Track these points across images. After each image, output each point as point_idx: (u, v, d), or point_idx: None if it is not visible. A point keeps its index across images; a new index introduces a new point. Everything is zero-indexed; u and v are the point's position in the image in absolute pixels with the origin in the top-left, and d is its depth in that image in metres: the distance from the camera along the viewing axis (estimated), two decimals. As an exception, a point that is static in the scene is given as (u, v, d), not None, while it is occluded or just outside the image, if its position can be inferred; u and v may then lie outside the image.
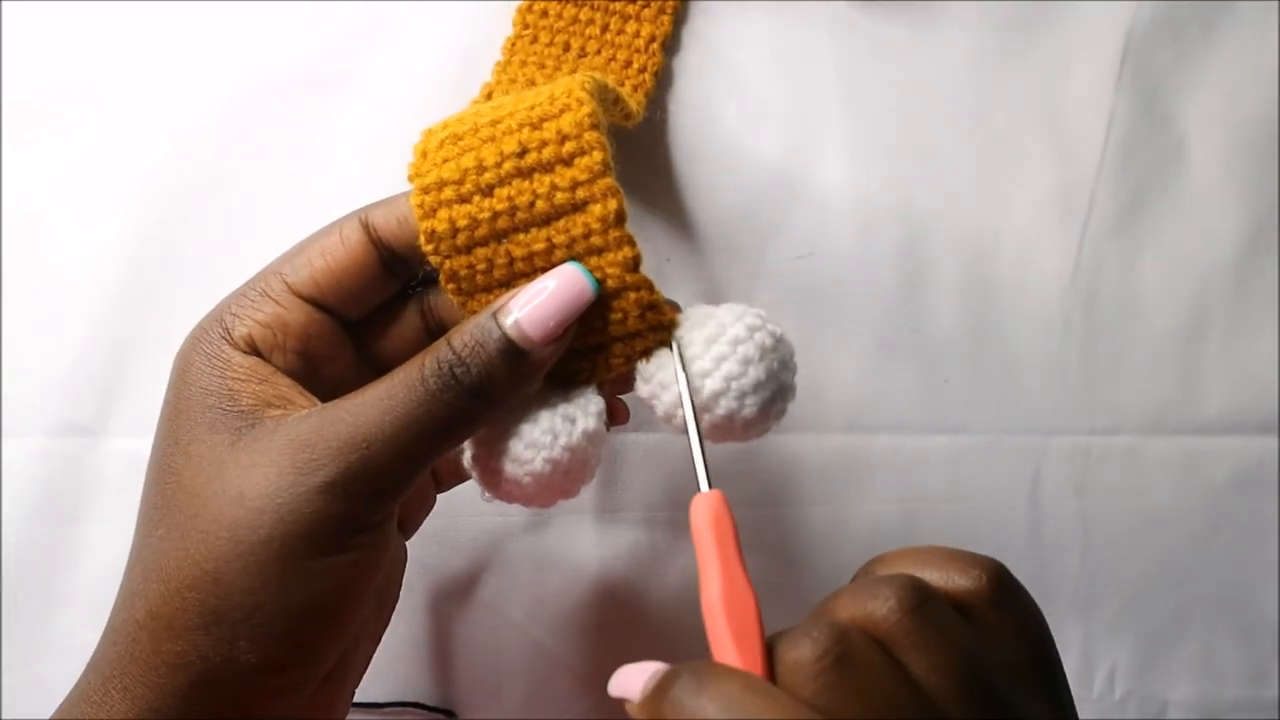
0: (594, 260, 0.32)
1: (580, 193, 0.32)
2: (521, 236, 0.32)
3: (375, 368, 0.35)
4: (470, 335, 0.31)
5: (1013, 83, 0.47)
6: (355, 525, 0.30)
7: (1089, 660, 0.47)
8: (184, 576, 0.30)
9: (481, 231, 0.32)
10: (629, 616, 0.46)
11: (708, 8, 0.47)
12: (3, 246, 0.46)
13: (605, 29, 0.46)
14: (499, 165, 0.32)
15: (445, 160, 0.32)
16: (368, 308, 0.34)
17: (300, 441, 0.30)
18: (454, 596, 0.45)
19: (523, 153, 0.32)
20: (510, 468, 0.32)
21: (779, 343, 0.34)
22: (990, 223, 0.47)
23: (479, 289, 0.33)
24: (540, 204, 0.32)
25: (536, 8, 0.46)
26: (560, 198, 0.32)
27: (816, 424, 0.46)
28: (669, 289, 0.35)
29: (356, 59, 0.46)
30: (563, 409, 0.33)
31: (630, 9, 0.46)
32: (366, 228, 0.33)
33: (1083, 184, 0.47)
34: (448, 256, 0.32)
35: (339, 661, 0.33)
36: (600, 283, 0.32)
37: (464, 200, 0.32)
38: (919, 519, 0.47)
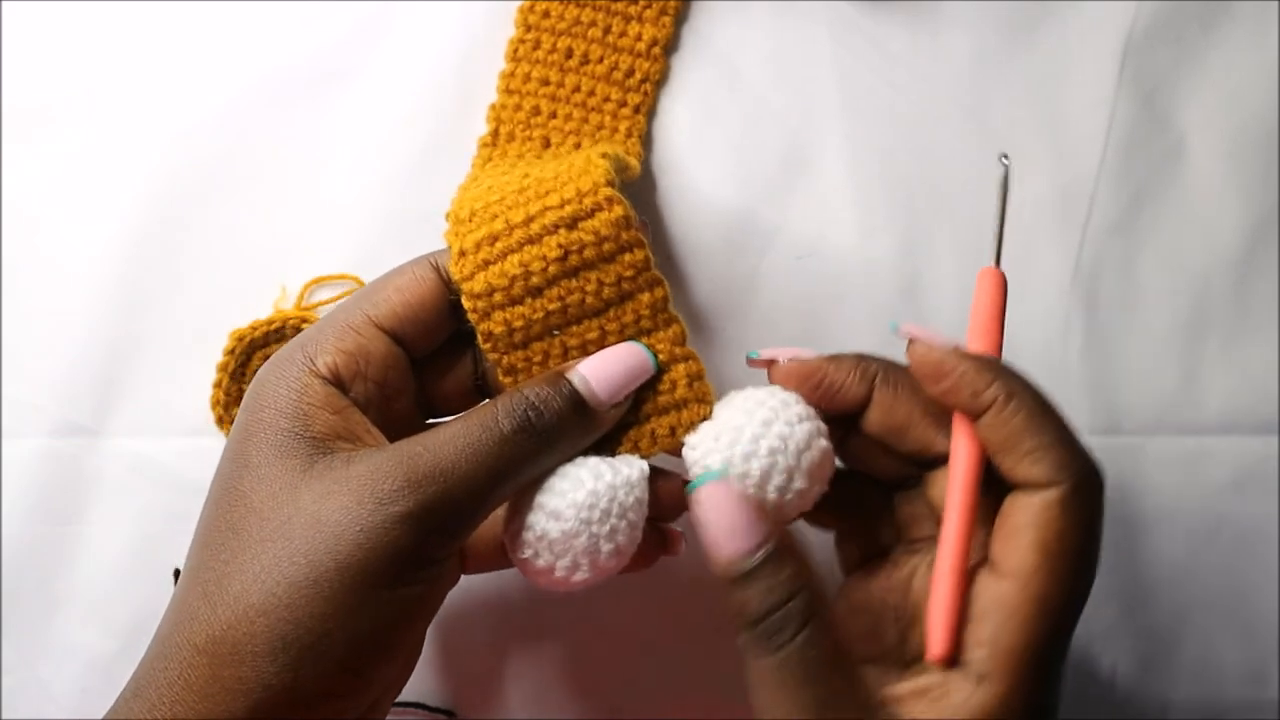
0: (644, 339, 0.35)
1: (626, 285, 0.34)
2: (575, 328, 0.34)
3: (427, 411, 0.37)
4: (543, 387, 0.33)
5: (1013, 83, 0.47)
6: (427, 558, 0.31)
7: (1089, 660, 0.47)
8: (253, 601, 0.29)
9: (536, 329, 0.34)
10: (631, 616, 0.46)
11: (708, 7, 0.47)
12: (3, 246, 0.46)
13: (607, 31, 0.46)
14: (545, 270, 0.33)
15: (486, 263, 0.34)
16: (434, 345, 0.36)
17: (381, 472, 0.30)
18: (455, 597, 0.45)
19: (565, 256, 0.33)
20: (552, 501, 0.33)
21: (811, 431, 0.34)
22: (990, 223, 0.47)
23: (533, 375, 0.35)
24: (590, 300, 0.34)
25: (538, 8, 0.46)
26: (608, 292, 0.34)
27: (817, 424, 0.46)
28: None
29: (356, 59, 0.46)
30: (609, 460, 0.34)
31: (632, 9, 0.46)
32: (436, 269, 0.35)
33: (1083, 184, 0.47)
34: (505, 353, 0.34)
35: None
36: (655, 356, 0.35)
37: (515, 302, 0.34)
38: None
